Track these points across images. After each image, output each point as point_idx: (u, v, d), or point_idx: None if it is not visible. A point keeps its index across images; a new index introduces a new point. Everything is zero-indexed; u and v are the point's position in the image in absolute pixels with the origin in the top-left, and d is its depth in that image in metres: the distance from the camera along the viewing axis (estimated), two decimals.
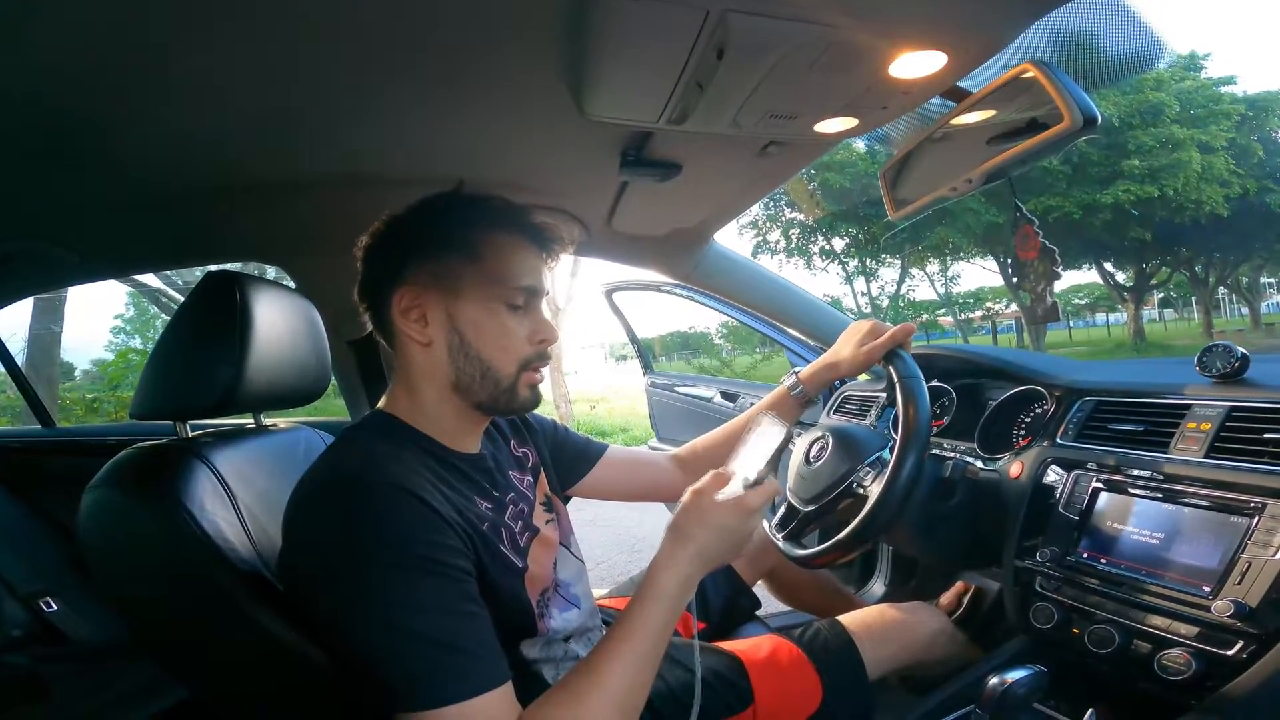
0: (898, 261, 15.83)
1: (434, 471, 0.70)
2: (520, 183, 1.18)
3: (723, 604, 1.17)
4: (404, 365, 0.75)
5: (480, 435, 0.80)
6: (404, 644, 0.58)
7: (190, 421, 0.86)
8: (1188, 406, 0.84)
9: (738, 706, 0.86)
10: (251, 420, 0.99)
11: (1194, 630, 0.72)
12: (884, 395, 0.97)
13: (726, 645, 0.96)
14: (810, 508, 1.00)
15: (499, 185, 1.18)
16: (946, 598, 1.17)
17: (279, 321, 0.88)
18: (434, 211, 0.74)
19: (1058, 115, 0.71)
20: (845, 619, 1.00)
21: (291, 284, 1.44)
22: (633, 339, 2.48)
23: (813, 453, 1.02)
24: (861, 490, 0.92)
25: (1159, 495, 0.81)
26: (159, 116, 0.83)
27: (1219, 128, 12.05)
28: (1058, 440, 0.97)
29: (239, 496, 0.78)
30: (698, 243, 1.52)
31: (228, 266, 1.40)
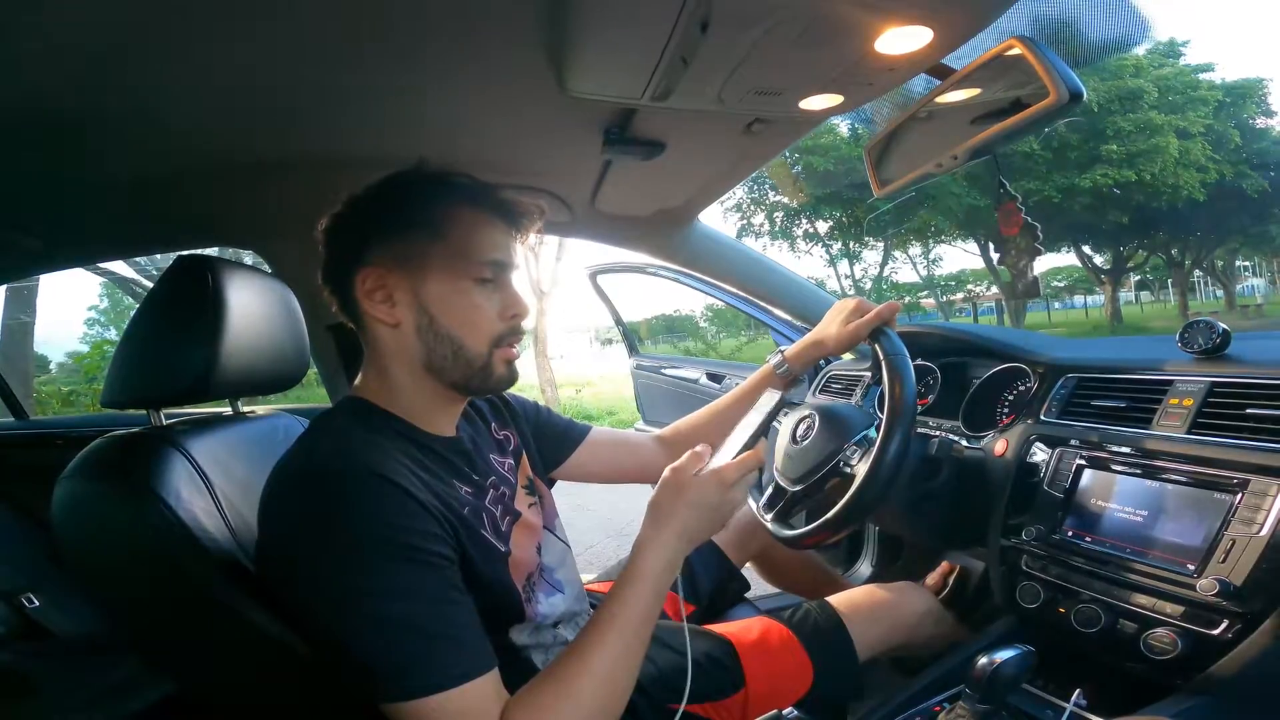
0: (881, 244, 15.92)
1: (411, 456, 0.69)
2: (500, 162, 1.16)
3: (712, 587, 1.17)
4: (373, 348, 0.73)
5: (457, 417, 0.79)
6: (385, 633, 0.58)
7: (165, 410, 0.84)
8: (1170, 382, 0.83)
9: (729, 689, 0.87)
10: (229, 408, 0.97)
11: (1179, 609, 0.72)
12: (869, 374, 0.97)
13: (717, 628, 0.97)
14: (797, 488, 1.00)
15: (478, 165, 1.15)
16: (932, 578, 1.17)
17: (254, 306, 0.86)
18: (394, 190, 0.72)
19: (1043, 91, 0.70)
20: (834, 600, 1.00)
21: (268, 269, 1.41)
22: (618, 322, 2.47)
23: (799, 432, 1.02)
24: (848, 470, 0.92)
25: (1142, 472, 0.81)
26: (124, 101, 0.81)
27: (1196, 114, 12.29)
28: (1041, 417, 0.97)
29: (216, 485, 0.76)
30: (683, 223, 1.51)
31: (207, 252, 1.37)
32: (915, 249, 16.63)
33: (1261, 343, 0.84)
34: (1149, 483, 0.79)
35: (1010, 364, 1.11)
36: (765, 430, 0.76)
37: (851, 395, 1.37)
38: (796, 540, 0.98)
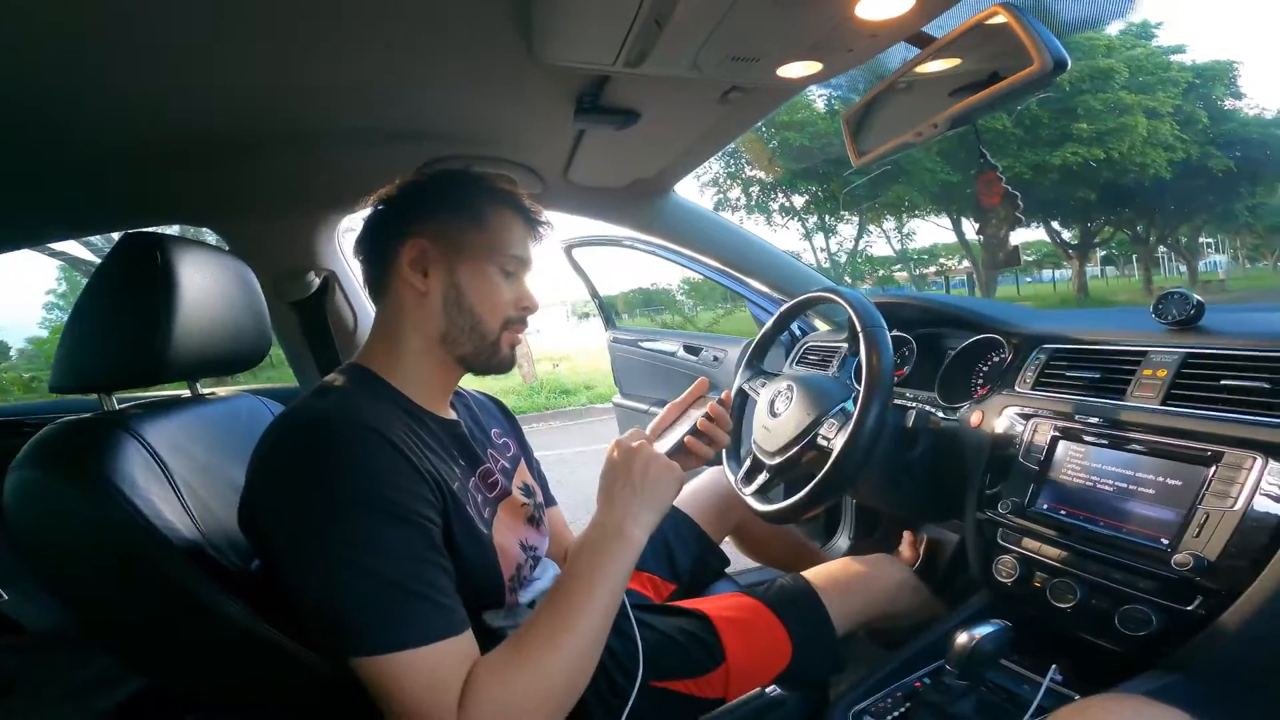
0: (856, 218, 15.98)
1: (408, 426, 0.70)
2: (468, 133, 1.11)
3: (692, 564, 1.17)
4: (394, 314, 0.77)
5: (449, 397, 0.82)
6: (363, 586, 0.58)
7: (119, 394, 0.80)
8: (1144, 353, 0.83)
9: (709, 664, 0.87)
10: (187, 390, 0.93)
11: (1153, 585, 0.72)
12: (846, 345, 0.96)
13: (695, 604, 0.97)
14: (775, 461, 1.00)
15: (446, 138, 1.12)
16: (904, 550, 1.19)
17: (208, 284, 0.82)
18: (447, 180, 0.80)
19: (1026, 59, 0.69)
20: (810, 574, 1.01)
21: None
22: (594, 295, 2.44)
23: (777, 404, 1.01)
24: (825, 443, 0.91)
25: (1116, 444, 0.81)
26: (77, 75, 0.76)
27: (1166, 94, 12.56)
28: (1016, 388, 0.97)
29: (175, 471, 0.73)
30: (658, 194, 1.48)
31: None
32: (889, 223, 16.74)
33: (1234, 315, 0.84)
34: (1123, 455, 0.79)
35: (985, 335, 1.11)
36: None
37: (829, 366, 1.36)
38: (775, 515, 0.97)
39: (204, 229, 1.43)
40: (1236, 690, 0.68)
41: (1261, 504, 0.66)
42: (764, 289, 1.68)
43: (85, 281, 0.79)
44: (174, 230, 1.44)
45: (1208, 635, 0.67)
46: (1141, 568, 0.73)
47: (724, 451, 1.14)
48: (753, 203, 15.31)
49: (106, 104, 0.86)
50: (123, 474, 0.67)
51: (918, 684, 0.81)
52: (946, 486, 1.01)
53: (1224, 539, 0.67)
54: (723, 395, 0.84)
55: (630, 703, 0.76)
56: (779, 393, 1.03)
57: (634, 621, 0.80)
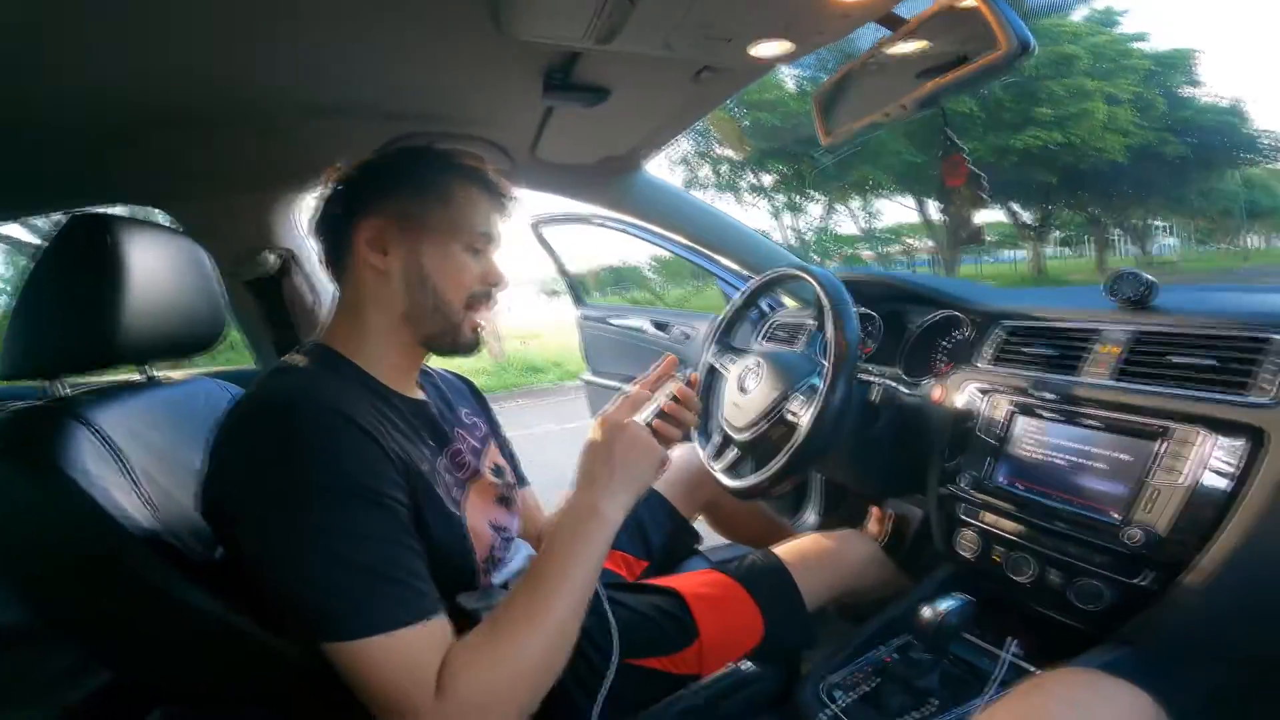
0: (824, 197, 16.10)
1: (374, 407, 0.69)
2: (433, 110, 1.08)
3: (664, 541, 1.18)
4: (355, 294, 0.76)
5: (415, 377, 0.81)
6: (334, 571, 0.57)
7: (70, 379, 0.77)
8: (1097, 330, 0.86)
9: (682, 641, 0.88)
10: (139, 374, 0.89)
11: (1105, 559, 0.73)
12: (814, 322, 0.98)
13: (668, 581, 0.98)
14: (744, 436, 1.01)
15: (412, 114, 1.09)
16: (871, 525, 1.22)
17: (159, 265, 0.79)
18: (409, 157, 0.79)
19: (993, 42, 0.70)
20: (779, 550, 1.03)
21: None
22: (563, 273, 2.42)
23: (746, 381, 1.02)
24: (793, 418, 0.93)
25: (1071, 419, 0.83)
26: (13, 47, 0.72)
27: (1126, 81, 12.95)
28: (976, 364, 0.99)
29: (131, 459, 0.71)
30: (628, 171, 1.47)
31: None
32: (856, 202, 16.90)
33: (1186, 294, 0.87)
34: (1077, 429, 0.82)
35: (948, 312, 1.13)
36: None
37: (797, 343, 1.38)
38: (745, 491, 0.99)
39: (154, 209, 1.37)
40: (1184, 662, 0.70)
41: (1208, 479, 0.68)
42: (733, 266, 1.68)
43: (28, 264, 0.75)
44: (123, 211, 1.37)
45: (1157, 609, 0.69)
46: (1094, 542, 0.75)
47: (695, 427, 1.15)
48: (722, 181, 15.29)
49: (52, 81, 0.81)
50: (75, 463, 0.64)
51: (887, 659, 0.83)
52: (910, 461, 1.03)
53: (1172, 513, 0.69)
54: (690, 376, 0.83)
55: (607, 681, 0.77)
56: (748, 369, 1.04)
57: (607, 601, 0.81)
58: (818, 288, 0.95)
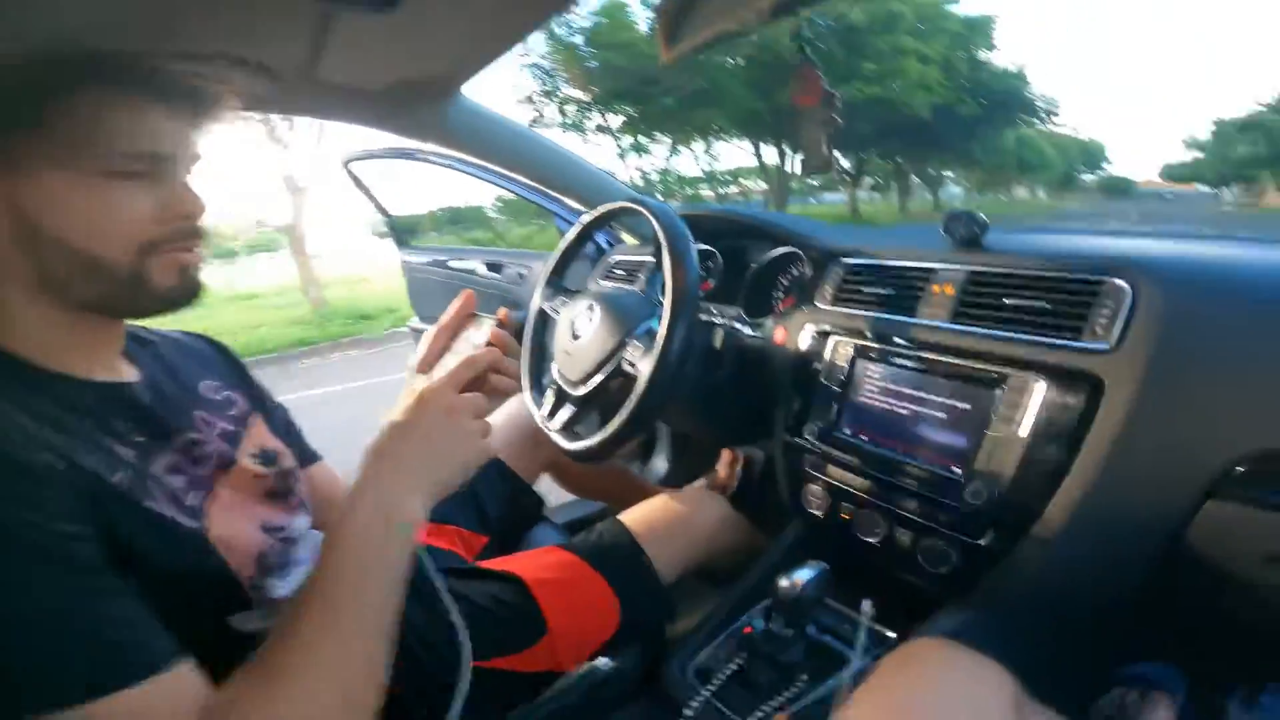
0: (669, 139, 16.29)
1: (21, 403, 0.49)
2: (174, 25, 0.78)
3: (502, 510, 1.06)
4: None
5: (114, 353, 0.60)
6: (14, 637, 0.42)
7: None
8: (933, 270, 0.84)
9: (531, 638, 0.78)
10: None
11: (950, 518, 0.70)
12: (654, 259, 0.88)
13: (508, 564, 0.87)
14: (579, 391, 0.90)
15: (143, 30, 0.77)
16: (721, 470, 1.19)
17: None
18: None
19: None
20: (627, 520, 0.95)
21: None
22: (382, 212, 2.20)
23: (578, 325, 0.91)
24: (630, 368, 0.83)
25: (911, 364, 0.80)
26: None
27: (938, 42, 14.42)
28: (817, 304, 0.95)
29: None
30: (440, 97, 1.23)
31: None
32: (699, 145, 17.35)
33: (1017, 237, 0.87)
34: (917, 376, 0.79)
35: (787, 248, 1.09)
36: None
37: (636, 281, 1.28)
38: (585, 453, 0.88)
39: None
40: (1031, 624, 0.70)
41: (1045, 430, 0.66)
42: (572, 203, 1.53)
43: None
44: None
45: (1002, 571, 0.67)
46: (938, 499, 0.73)
47: (525, 383, 1.02)
48: (569, 122, 15.07)
49: None
50: None
51: (748, 629, 0.79)
52: (755, 408, 0.99)
53: (1011, 468, 0.67)
54: (499, 314, 0.67)
55: (458, 693, 0.62)
56: (580, 313, 0.92)
57: (449, 596, 0.63)
58: (654, 221, 0.85)
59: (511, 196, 1.83)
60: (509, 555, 0.95)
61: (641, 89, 13.36)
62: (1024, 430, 0.67)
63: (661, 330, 0.78)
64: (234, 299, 10.81)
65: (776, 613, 0.75)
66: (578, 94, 14.20)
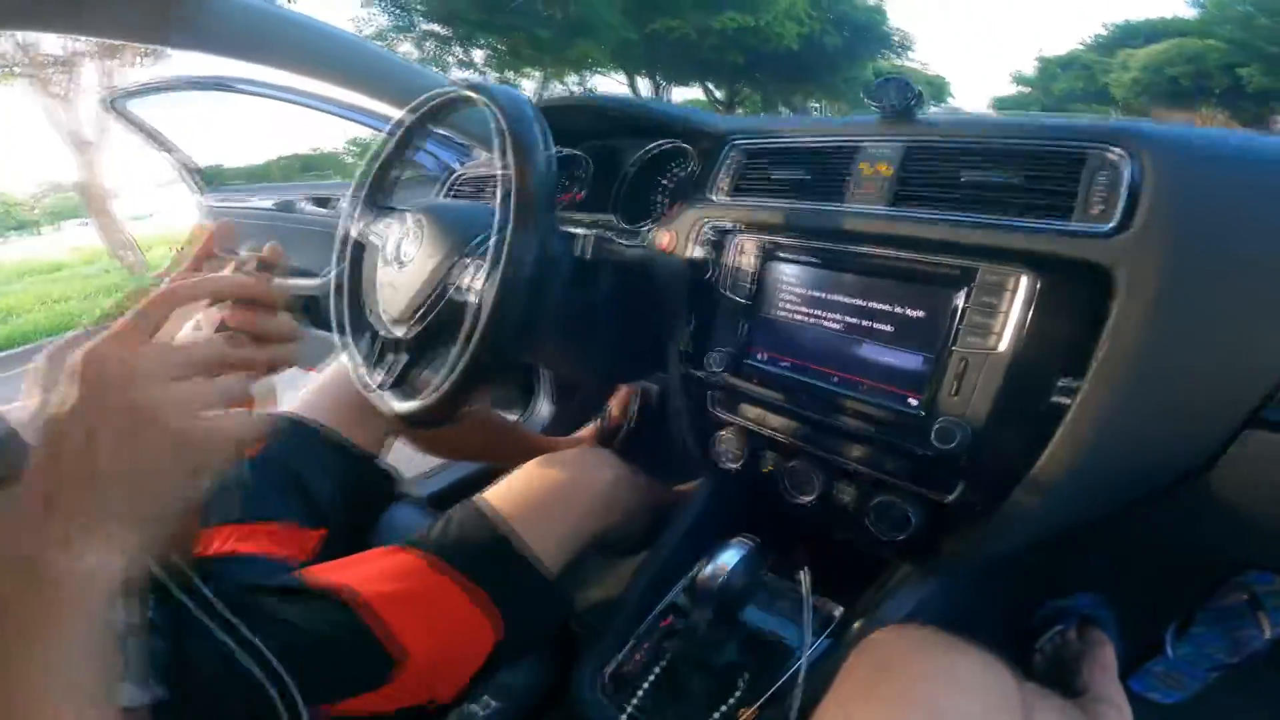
0: (539, 74, 15.42)
1: None
2: None
3: (340, 495, 0.80)
4: None
5: None
6: None
7: None
8: (860, 146, 0.65)
9: (380, 670, 0.58)
10: None
11: (908, 465, 0.55)
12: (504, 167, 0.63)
13: (335, 575, 0.64)
14: (405, 331, 0.66)
15: None
16: (615, 409, 0.99)
17: None
18: None
19: None
20: (494, 499, 0.72)
21: None
22: (171, 152, 1.87)
23: (403, 248, 0.66)
24: (468, 294, 0.60)
25: (840, 263, 0.62)
26: None
27: None
28: (711, 197, 0.76)
29: None
30: None
31: None
32: (572, 78, 16.60)
33: (950, 116, 0.72)
34: (850, 278, 0.61)
35: (668, 140, 0.89)
36: None
37: (488, 198, 1.03)
38: (422, 416, 0.64)
39: None
40: (998, 587, 0.59)
41: (1033, 343, 0.49)
42: (390, 111, 1.22)
43: None
44: None
45: (975, 535, 0.52)
46: (890, 441, 0.56)
47: (342, 330, 0.75)
48: (427, 57, 13.91)
49: None
50: None
51: (666, 620, 0.63)
52: (644, 333, 0.78)
53: (989, 396, 0.50)
54: (265, 250, 0.45)
55: None
56: (405, 233, 0.67)
57: (232, 636, 0.48)
58: (491, 105, 0.62)
59: (367, 136, 1.61)
60: (344, 559, 0.70)
61: (509, 19, 12.60)
62: (1003, 343, 0.50)
63: (503, 241, 0.55)
64: (29, 272, 9.64)
65: (699, 601, 0.58)
66: (436, 28, 13.26)
